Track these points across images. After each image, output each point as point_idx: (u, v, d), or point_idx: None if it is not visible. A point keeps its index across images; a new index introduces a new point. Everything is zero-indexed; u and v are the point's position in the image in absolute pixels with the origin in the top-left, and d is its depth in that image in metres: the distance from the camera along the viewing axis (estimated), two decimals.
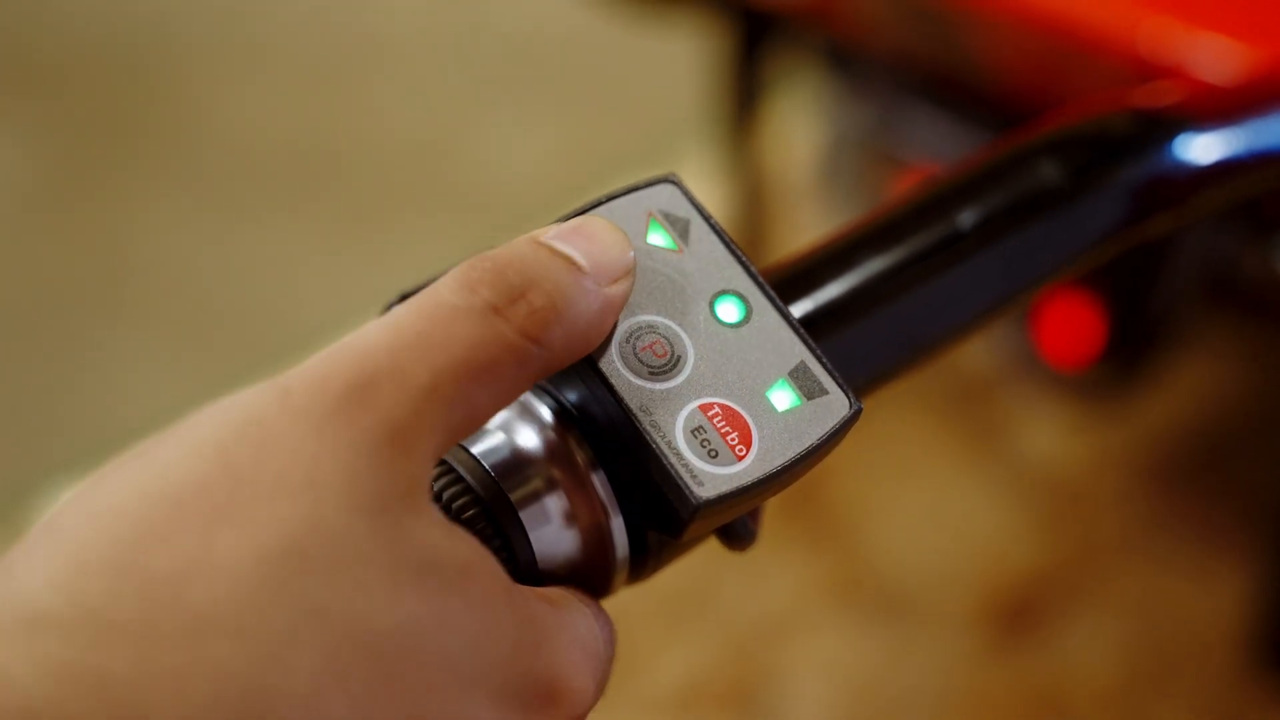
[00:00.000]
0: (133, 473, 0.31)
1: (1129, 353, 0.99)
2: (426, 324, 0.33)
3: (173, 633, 0.29)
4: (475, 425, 0.34)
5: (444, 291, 0.34)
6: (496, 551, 0.36)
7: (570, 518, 0.38)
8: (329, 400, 0.32)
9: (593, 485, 0.37)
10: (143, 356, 1.53)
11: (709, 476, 0.36)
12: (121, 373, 1.51)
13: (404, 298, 0.40)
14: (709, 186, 1.28)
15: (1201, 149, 0.49)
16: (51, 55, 1.91)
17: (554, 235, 0.36)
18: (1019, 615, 1.13)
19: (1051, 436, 1.23)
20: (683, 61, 1.41)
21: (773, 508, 0.40)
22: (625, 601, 0.41)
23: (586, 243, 0.36)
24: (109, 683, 0.28)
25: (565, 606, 0.35)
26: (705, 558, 0.44)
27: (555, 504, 0.37)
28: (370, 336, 0.33)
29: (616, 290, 0.36)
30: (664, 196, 0.40)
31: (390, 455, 0.32)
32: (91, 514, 0.30)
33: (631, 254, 0.37)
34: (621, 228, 0.38)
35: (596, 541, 0.38)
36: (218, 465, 0.31)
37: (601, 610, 0.37)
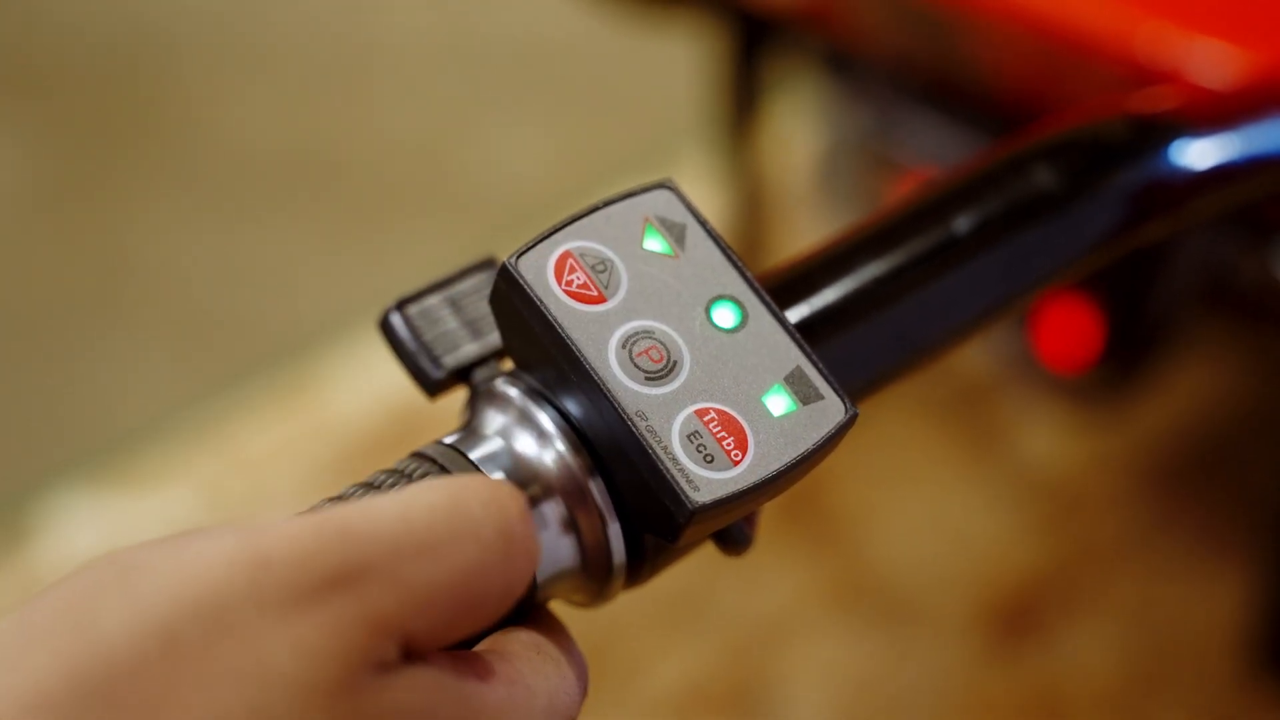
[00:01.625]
0: (67, 644, 0.29)
1: (1127, 357, 0.99)
2: (442, 533, 0.32)
3: None
4: (436, 649, 0.33)
5: (471, 501, 0.33)
6: None
7: (568, 524, 0.38)
8: (307, 583, 0.30)
9: (590, 491, 0.37)
10: (142, 359, 1.53)
11: (704, 481, 0.36)
12: (121, 375, 1.51)
13: (400, 305, 0.41)
14: (707, 190, 1.28)
15: (1197, 154, 0.49)
16: (52, 59, 1.92)
17: None
18: (1018, 618, 1.13)
19: (1050, 440, 1.23)
20: (681, 66, 1.41)
21: (771, 511, 0.40)
22: (625, 606, 0.41)
23: None
24: None
25: (528, 684, 0.34)
26: (704, 561, 0.44)
27: (553, 510, 0.38)
28: (375, 523, 0.31)
29: None
30: (660, 202, 0.40)
31: (358, 642, 0.30)
32: (18, 699, 0.28)
33: None
34: (615, 239, 0.38)
35: (594, 547, 0.38)
36: (160, 648, 0.29)
37: (572, 651, 0.37)
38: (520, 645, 0.36)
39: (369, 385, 1.30)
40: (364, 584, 0.30)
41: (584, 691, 0.36)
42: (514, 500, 0.33)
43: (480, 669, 0.33)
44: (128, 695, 0.28)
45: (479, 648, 0.35)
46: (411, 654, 0.31)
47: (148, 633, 0.29)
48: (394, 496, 0.32)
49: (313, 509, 0.36)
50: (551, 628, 0.37)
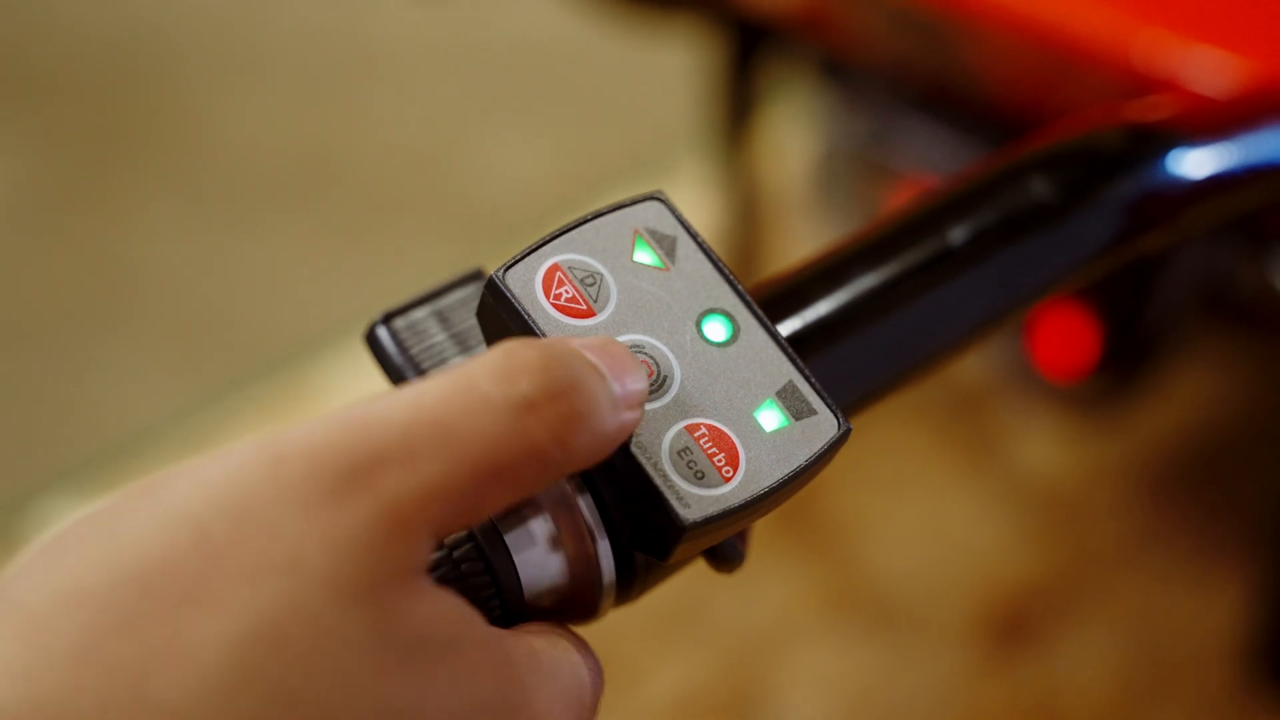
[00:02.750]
0: (100, 546, 0.29)
1: (1124, 365, 0.98)
2: (452, 411, 0.31)
3: None
4: (479, 521, 0.33)
5: (479, 376, 0.32)
6: (480, 577, 0.36)
7: (556, 541, 0.37)
8: (324, 475, 0.30)
9: (578, 508, 0.37)
10: (138, 366, 1.53)
11: (695, 498, 0.35)
12: (119, 382, 1.51)
13: (387, 318, 0.40)
14: (702, 198, 1.27)
15: (1195, 164, 0.49)
16: (51, 64, 1.91)
17: (587, 346, 0.34)
18: (1014, 627, 1.12)
19: (1047, 448, 1.22)
20: (677, 73, 1.40)
21: (766, 519, 0.40)
22: (620, 615, 0.40)
23: (614, 362, 0.35)
24: None
25: (550, 654, 0.34)
26: (699, 570, 0.44)
27: (540, 527, 0.37)
28: (385, 409, 0.31)
29: (631, 417, 0.35)
30: (651, 214, 0.39)
31: (384, 542, 0.30)
32: (54, 594, 0.29)
33: (646, 386, 0.36)
34: (605, 251, 0.38)
35: (583, 565, 0.37)
36: (191, 542, 0.29)
37: (586, 647, 0.36)
38: (537, 629, 0.36)
39: (364, 392, 1.30)
40: (380, 474, 0.30)
41: (601, 682, 0.36)
42: (525, 368, 0.33)
43: (505, 633, 0.33)
44: (162, 586, 0.28)
45: None
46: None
47: (177, 528, 0.29)
48: (408, 386, 0.32)
49: None
50: (562, 628, 0.37)
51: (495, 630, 0.33)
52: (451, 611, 0.31)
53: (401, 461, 0.30)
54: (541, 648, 0.34)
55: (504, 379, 0.32)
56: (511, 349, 0.33)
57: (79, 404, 1.49)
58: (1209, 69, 0.71)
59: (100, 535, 0.30)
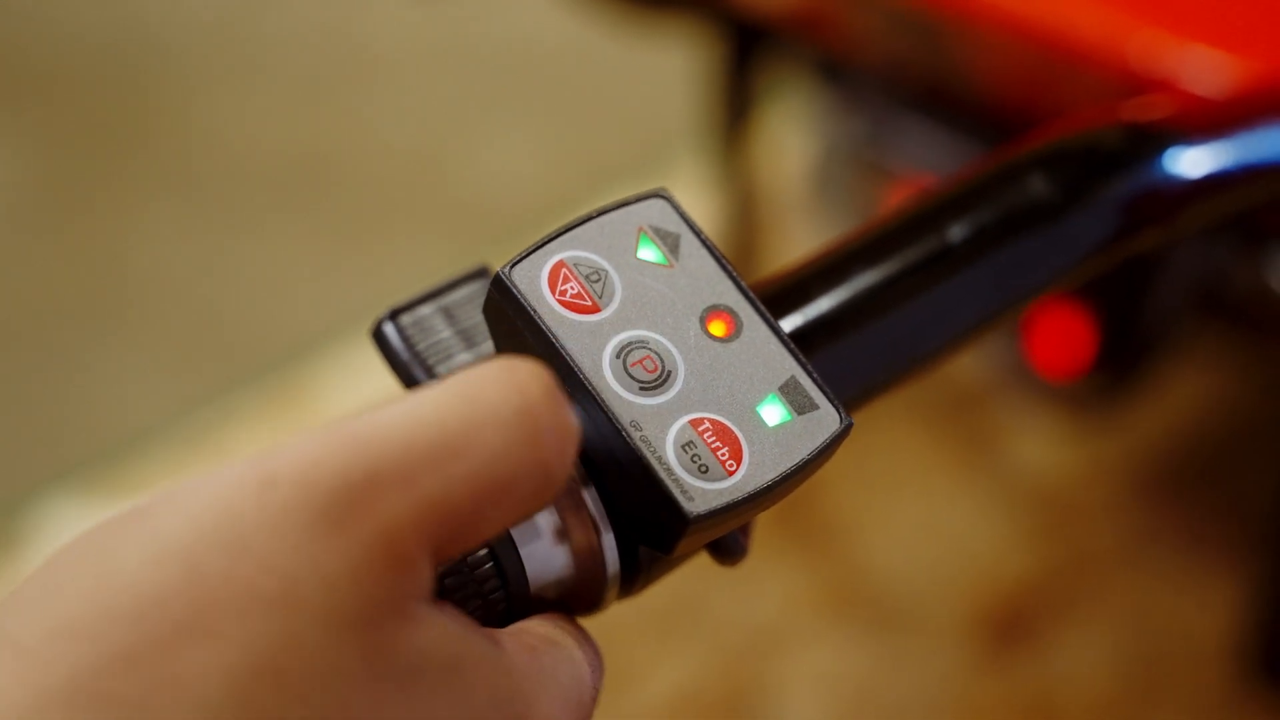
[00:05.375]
0: (89, 578, 0.29)
1: (1121, 364, 0.99)
2: (454, 425, 0.30)
3: None
4: (477, 542, 0.32)
5: (486, 387, 0.31)
6: (485, 570, 0.36)
7: (561, 534, 0.37)
8: (317, 499, 0.29)
9: (584, 501, 0.37)
10: (136, 366, 1.53)
11: (699, 492, 0.36)
12: (118, 382, 1.51)
13: (394, 314, 0.40)
14: (700, 198, 1.28)
15: (1192, 163, 0.49)
16: (48, 64, 1.91)
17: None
18: (1011, 626, 1.12)
19: (1043, 447, 1.23)
20: (674, 73, 1.41)
21: (764, 518, 0.40)
22: (617, 613, 0.41)
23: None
24: None
25: (551, 656, 0.34)
26: (697, 569, 0.44)
27: (546, 520, 0.37)
28: (382, 425, 0.30)
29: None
30: (654, 211, 0.40)
31: (380, 571, 0.29)
32: (46, 628, 0.28)
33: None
34: (609, 248, 0.38)
35: (587, 558, 0.38)
36: (182, 575, 0.28)
37: (587, 639, 0.37)
38: (537, 624, 0.36)
39: (363, 393, 1.30)
40: (375, 498, 0.29)
41: (602, 673, 0.36)
42: (535, 378, 0.32)
43: (504, 638, 0.33)
44: (155, 619, 0.28)
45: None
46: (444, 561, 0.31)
47: (167, 561, 0.28)
48: (405, 398, 0.31)
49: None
50: (562, 619, 0.37)
51: (494, 641, 0.32)
52: (450, 632, 0.31)
53: (397, 483, 0.29)
54: (542, 649, 0.34)
55: (513, 388, 0.31)
56: (514, 363, 0.32)
57: (79, 404, 1.49)
58: (1205, 69, 0.71)
59: (89, 568, 0.29)
